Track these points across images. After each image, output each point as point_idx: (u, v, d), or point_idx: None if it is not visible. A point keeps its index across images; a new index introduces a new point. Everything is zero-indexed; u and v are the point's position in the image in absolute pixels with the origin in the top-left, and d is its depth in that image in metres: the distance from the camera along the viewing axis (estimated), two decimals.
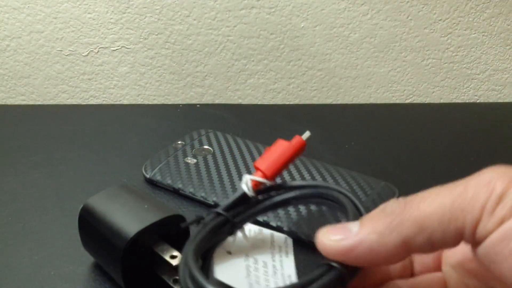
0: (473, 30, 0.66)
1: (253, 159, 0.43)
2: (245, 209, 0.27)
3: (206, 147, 0.45)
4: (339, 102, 0.69)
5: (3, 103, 0.65)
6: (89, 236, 0.30)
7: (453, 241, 0.17)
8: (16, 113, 0.54)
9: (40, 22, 0.61)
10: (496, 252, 0.16)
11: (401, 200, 0.18)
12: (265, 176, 0.27)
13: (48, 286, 0.30)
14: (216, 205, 0.37)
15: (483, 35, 0.66)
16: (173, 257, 0.28)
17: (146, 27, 0.62)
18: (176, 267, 0.27)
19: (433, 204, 0.17)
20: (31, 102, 0.65)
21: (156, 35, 0.63)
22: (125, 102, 0.67)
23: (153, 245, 0.28)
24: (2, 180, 0.41)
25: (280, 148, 0.28)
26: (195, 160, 0.42)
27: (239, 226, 0.27)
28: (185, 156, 0.43)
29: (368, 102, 0.69)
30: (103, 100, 0.67)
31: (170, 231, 0.29)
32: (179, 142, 0.46)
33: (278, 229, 0.34)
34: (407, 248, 0.18)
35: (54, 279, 0.30)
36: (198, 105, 0.58)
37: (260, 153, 0.44)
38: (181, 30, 0.63)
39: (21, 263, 0.32)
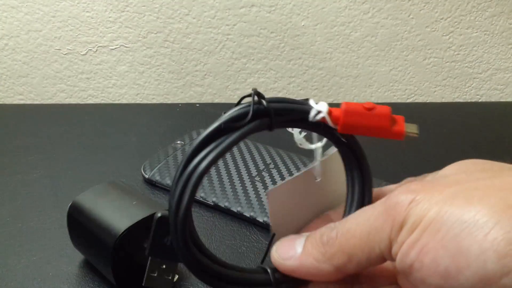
0: (475, 29, 0.65)
1: (253, 159, 0.42)
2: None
3: None
4: (340, 101, 0.68)
5: (1, 103, 0.65)
6: (78, 234, 0.30)
7: (378, 263, 0.21)
8: (14, 112, 0.54)
9: (38, 21, 0.61)
10: (403, 270, 0.19)
11: (335, 228, 0.21)
12: (338, 120, 0.23)
13: (46, 286, 0.30)
14: (216, 205, 0.37)
15: (485, 34, 0.66)
16: None
17: (145, 25, 0.62)
18: None
19: (356, 235, 0.20)
20: (29, 101, 0.65)
21: (155, 33, 0.62)
22: (124, 101, 0.66)
23: (143, 241, 0.28)
24: (1, 180, 0.40)
25: (381, 119, 0.23)
26: None
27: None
28: None
29: (369, 101, 0.69)
30: (102, 99, 0.66)
31: None
32: (179, 141, 0.45)
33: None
34: (340, 272, 0.21)
35: (52, 280, 0.30)
36: (197, 104, 0.58)
37: (260, 153, 0.43)
38: (180, 29, 0.62)
39: (20, 264, 0.31)
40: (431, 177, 0.23)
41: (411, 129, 0.23)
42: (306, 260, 0.22)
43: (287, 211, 0.26)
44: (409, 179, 0.25)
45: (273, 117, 0.23)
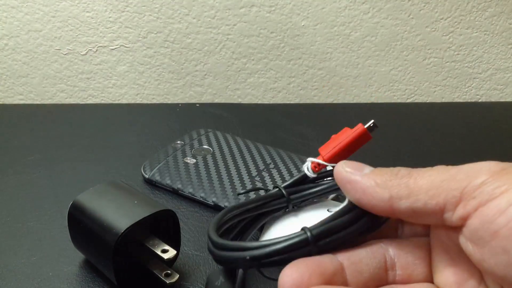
0: (475, 29, 0.65)
1: (253, 159, 0.42)
2: (303, 189, 0.30)
3: (205, 147, 0.44)
4: (340, 101, 0.68)
5: (1, 103, 0.65)
6: (79, 233, 0.30)
7: (433, 215, 0.20)
8: (14, 112, 0.54)
9: (39, 21, 0.61)
10: (478, 237, 0.18)
11: (410, 169, 0.21)
12: (323, 159, 0.29)
13: (46, 286, 0.30)
14: (216, 205, 0.37)
15: (484, 34, 0.66)
16: (164, 251, 0.28)
17: (145, 25, 0.62)
18: (168, 261, 0.27)
19: (427, 179, 0.20)
20: (29, 102, 0.65)
21: (155, 33, 0.62)
22: (124, 101, 0.66)
23: (144, 240, 0.28)
24: (1, 180, 0.40)
25: (343, 135, 0.30)
26: (194, 160, 0.42)
27: (293, 203, 0.30)
28: (185, 156, 0.43)
29: (369, 101, 0.69)
30: (102, 100, 0.66)
31: (161, 226, 0.29)
32: (178, 142, 0.45)
33: None
34: (391, 205, 0.21)
35: (52, 280, 0.30)
36: (197, 105, 0.57)
37: (260, 153, 0.43)
38: (180, 29, 0.62)
39: (20, 264, 0.31)
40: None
41: (368, 123, 0.29)
42: (368, 179, 0.22)
43: None
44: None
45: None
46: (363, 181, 0.22)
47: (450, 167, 0.20)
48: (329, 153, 0.29)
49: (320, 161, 0.29)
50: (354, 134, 0.29)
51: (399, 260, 0.24)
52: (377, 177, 0.22)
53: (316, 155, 0.30)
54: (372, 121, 0.30)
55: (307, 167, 0.30)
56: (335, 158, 0.29)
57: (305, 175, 0.30)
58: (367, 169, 0.23)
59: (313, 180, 0.30)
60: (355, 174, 0.22)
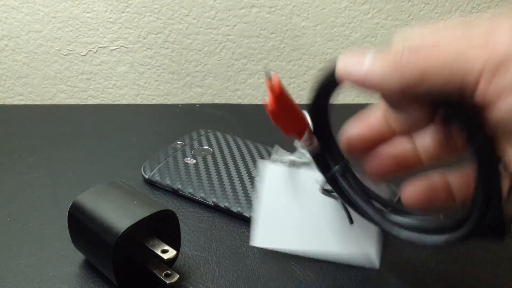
0: None
1: (253, 159, 0.42)
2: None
3: (205, 147, 0.44)
4: (340, 102, 0.68)
5: (1, 103, 0.65)
6: (79, 233, 0.30)
7: (452, 96, 0.18)
8: (14, 113, 0.54)
9: (39, 22, 0.61)
10: (506, 127, 0.17)
11: (416, 39, 0.19)
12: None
13: (47, 286, 0.30)
14: (216, 205, 0.37)
15: None
16: (164, 251, 0.28)
17: (145, 26, 0.62)
18: (168, 261, 0.27)
19: (439, 57, 0.18)
20: (29, 102, 0.65)
21: (155, 34, 0.62)
22: (124, 102, 0.66)
23: (144, 240, 0.28)
24: (1, 180, 0.40)
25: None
26: (194, 161, 0.42)
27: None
28: (185, 156, 0.43)
29: (369, 101, 0.69)
30: (102, 100, 0.66)
31: (161, 226, 0.29)
32: (178, 142, 0.45)
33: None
34: (404, 93, 0.19)
35: (52, 280, 0.30)
36: (197, 105, 0.58)
37: (260, 153, 0.43)
38: (180, 30, 0.62)
39: (20, 264, 0.31)
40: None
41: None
42: (373, 71, 0.20)
43: (278, 208, 0.27)
44: None
45: None
46: (368, 77, 0.20)
47: (458, 33, 0.18)
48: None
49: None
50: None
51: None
52: (382, 67, 0.19)
53: None
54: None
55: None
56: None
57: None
58: (368, 58, 0.20)
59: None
60: (358, 72, 0.20)
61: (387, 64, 0.19)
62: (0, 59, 0.62)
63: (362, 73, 0.20)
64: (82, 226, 0.29)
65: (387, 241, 0.31)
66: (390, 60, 0.19)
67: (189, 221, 0.36)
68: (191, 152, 0.44)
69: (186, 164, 0.41)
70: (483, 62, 0.17)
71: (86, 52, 0.63)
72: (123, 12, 0.61)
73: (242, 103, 0.67)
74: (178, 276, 0.28)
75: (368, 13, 0.63)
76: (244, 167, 0.41)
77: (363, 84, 0.20)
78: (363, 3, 0.63)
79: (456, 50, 0.17)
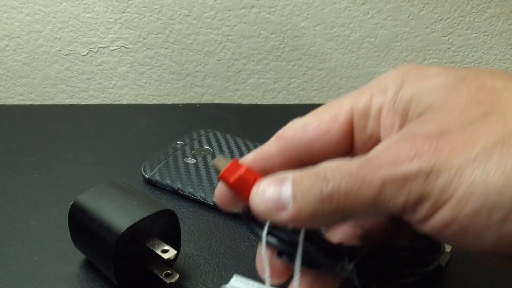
0: (474, 30, 0.66)
1: None
2: None
3: (205, 147, 0.45)
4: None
5: (1, 103, 0.65)
6: (79, 233, 0.30)
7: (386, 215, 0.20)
8: (15, 113, 0.54)
9: (39, 22, 0.61)
10: (434, 237, 0.19)
11: (328, 183, 0.19)
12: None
13: (46, 286, 0.30)
14: (216, 205, 0.37)
15: (484, 35, 0.66)
16: (164, 251, 0.28)
17: (146, 26, 0.62)
18: (168, 260, 0.27)
19: (358, 198, 0.18)
20: (29, 102, 0.65)
21: (156, 34, 0.63)
22: (124, 102, 0.67)
23: (144, 240, 0.28)
24: (1, 180, 0.40)
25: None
26: (194, 160, 0.42)
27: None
28: (185, 156, 0.43)
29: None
30: (102, 100, 0.66)
31: (161, 226, 0.29)
32: (179, 142, 0.45)
33: None
34: (341, 222, 0.20)
35: (53, 280, 0.30)
36: (197, 105, 0.58)
37: None
38: (180, 30, 0.62)
39: (20, 264, 0.31)
40: (413, 103, 0.20)
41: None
42: (300, 214, 0.19)
43: None
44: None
45: None
46: (294, 218, 0.19)
47: (367, 168, 0.18)
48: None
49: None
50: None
51: None
52: (307, 207, 0.19)
53: None
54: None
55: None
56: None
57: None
58: (287, 193, 0.19)
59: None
60: (281, 214, 0.19)
61: (312, 208, 0.19)
62: (1, 59, 0.62)
63: (288, 219, 0.19)
64: (83, 226, 0.29)
65: None
66: (314, 203, 0.19)
67: (189, 221, 0.36)
68: (191, 152, 0.44)
69: (186, 164, 0.42)
70: (404, 198, 0.18)
71: (86, 52, 0.63)
72: (123, 12, 0.61)
73: (242, 103, 0.67)
74: (178, 275, 0.28)
75: (368, 13, 0.63)
76: None
77: (293, 225, 0.20)
78: (363, 4, 0.63)
79: (373, 192, 0.18)
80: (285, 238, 0.21)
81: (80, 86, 0.65)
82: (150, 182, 0.40)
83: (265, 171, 0.23)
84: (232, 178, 0.22)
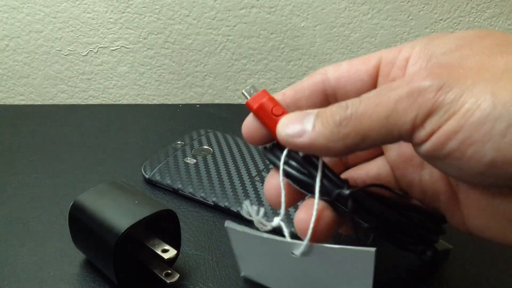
0: None
1: (253, 159, 0.42)
2: None
3: (205, 147, 0.45)
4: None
5: (2, 103, 0.65)
6: (80, 233, 0.30)
7: (393, 143, 0.21)
8: (15, 113, 0.54)
9: (39, 22, 0.61)
10: (435, 155, 0.20)
11: (348, 108, 0.21)
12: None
13: (47, 286, 0.30)
14: (216, 205, 0.37)
15: None
16: (164, 251, 0.28)
17: (146, 26, 0.62)
18: (168, 260, 0.28)
19: (373, 117, 0.20)
20: (30, 102, 0.65)
21: (156, 34, 0.63)
22: (125, 102, 0.67)
23: (144, 240, 0.28)
24: (1, 180, 0.41)
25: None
26: (194, 160, 0.42)
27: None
28: (185, 156, 0.43)
29: None
30: (103, 100, 0.66)
31: (161, 225, 0.29)
32: (179, 142, 0.45)
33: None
34: (350, 150, 0.21)
35: (53, 280, 0.30)
36: (197, 105, 0.58)
37: (260, 153, 0.44)
38: (180, 30, 0.63)
39: (21, 264, 0.31)
40: (438, 50, 0.22)
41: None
42: (317, 139, 0.21)
43: (255, 261, 0.25)
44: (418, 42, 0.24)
45: None
46: (313, 144, 0.21)
47: (386, 90, 0.20)
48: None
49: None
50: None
51: None
52: (324, 133, 0.21)
53: None
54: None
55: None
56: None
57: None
58: (308, 123, 0.22)
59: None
60: (302, 138, 0.22)
61: (329, 132, 0.21)
62: (1, 59, 0.62)
63: (305, 143, 0.21)
64: (83, 226, 0.29)
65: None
66: (331, 128, 0.21)
67: (189, 221, 0.36)
68: (191, 152, 0.44)
69: (186, 164, 0.42)
70: (414, 113, 0.19)
71: (86, 52, 0.63)
72: (123, 13, 0.61)
73: (242, 103, 0.68)
74: (179, 275, 0.28)
75: (368, 13, 0.63)
76: (244, 167, 0.41)
77: (308, 151, 0.22)
78: (363, 4, 0.63)
79: (387, 109, 0.19)
80: (297, 167, 0.23)
81: (80, 86, 0.65)
82: (150, 182, 0.41)
83: (294, 105, 0.25)
84: (256, 105, 0.24)
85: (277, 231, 0.25)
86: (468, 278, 0.31)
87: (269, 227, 0.24)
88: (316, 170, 0.23)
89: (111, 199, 0.30)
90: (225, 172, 0.40)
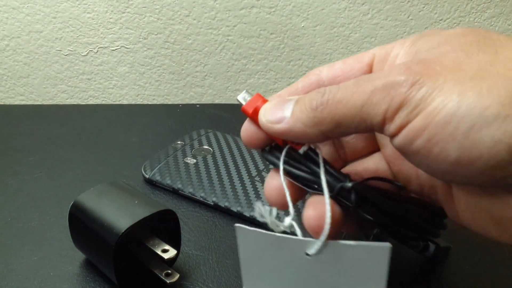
0: None
1: (253, 159, 0.43)
2: None
3: (205, 147, 0.45)
4: None
5: (2, 103, 0.65)
6: (80, 233, 0.30)
7: (366, 132, 0.22)
8: (15, 113, 0.54)
9: (39, 22, 0.61)
10: (405, 151, 0.20)
11: (325, 94, 0.21)
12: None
13: (47, 286, 0.30)
14: (216, 205, 0.37)
15: None
16: (164, 251, 0.28)
17: (146, 26, 0.62)
18: (168, 260, 0.28)
19: (348, 105, 0.20)
20: (30, 102, 0.65)
21: (156, 34, 0.63)
22: (125, 102, 0.67)
23: (144, 240, 0.28)
24: (2, 180, 0.41)
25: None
26: (194, 160, 0.42)
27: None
28: (185, 156, 0.43)
29: None
30: (103, 100, 0.66)
31: (161, 226, 0.29)
32: (179, 142, 0.45)
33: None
34: (326, 136, 0.22)
35: (53, 280, 0.30)
36: (197, 105, 0.58)
37: (260, 153, 0.44)
38: (180, 30, 0.63)
39: (21, 264, 0.31)
40: (423, 46, 0.22)
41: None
42: (294, 124, 0.22)
43: (263, 269, 0.24)
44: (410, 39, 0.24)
45: None
46: (291, 130, 0.22)
47: (364, 80, 0.20)
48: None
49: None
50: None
51: (344, 140, 0.28)
52: (301, 118, 0.22)
53: None
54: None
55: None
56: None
57: None
58: (287, 110, 0.22)
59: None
60: (278, 123, 0.22)
61: (305, 117, 0.21)
62: (1, 59, 0.62)
63: (284, 128, 0.22)
64: (83, 226, 0.29)
65: None
66: (308, 113, 0.21)
67: (189, 221, 0.36)
68: (191, 152, 0.44)
69: (186, 164, 0.42)
70: (386, 104, 0.19)
71: (86, 52, 0.63)
72: (123, 13, 0.61)
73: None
74: (179, 275, 0.28)
75: (368, 13, 0.63)
76: (244, 167, 0.41)
77: (287, 137, 0.23)
78: (363, 4, 0.63)
79: (362, 99, 0.20)
80: (297, 165, 0.23)
81: (80, 86, 0.65)
82: (150, 182, 0.41)
83: None
84: (251, 110, 0.24)
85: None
86: (468, 278, 0.31)
87: (282, 228, 0.23)
88: (317, 166, 0.23)
89: (111, 199, 0.30)
90: (225, 172, 0.40)
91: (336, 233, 0.23)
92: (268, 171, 0.41)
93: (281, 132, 0.22)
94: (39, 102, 0.65)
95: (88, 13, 0.61)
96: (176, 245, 0.30)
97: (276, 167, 0.24)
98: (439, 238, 0.27)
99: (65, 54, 0.63)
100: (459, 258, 0.32)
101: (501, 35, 0.21)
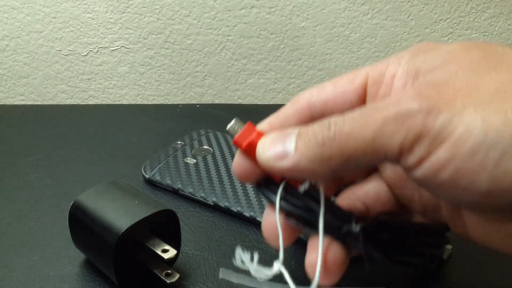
0: (474, 30, 0.66)
1: None
2: None
3: (205, 147, 0.45)
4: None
5: (2, 103, 0.65)
6: (80, 233, 0.30)
7: (379, 164, 0.20)
8: (15, 113, 0.54)
9: (39, 22, 0.61)
10: (427, 184, 0.19)
11: (330, 127, 0.19)
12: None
13: (47, 286, 0.30)
14: (216, 205, 0.37)
15: (484, 35, 0.66)
16: (164, 251, 0.28)
17: (146, 26, 0.62)
18: (168, 260, 0.28)
19: (358, 139, 0.19)
20: (30, 102, 0.65)
21: (156, 34, 0.63)
22: (125, 102, 0.67)
23: (144, 240, 0.28)
24: (1, 180, 0.41)
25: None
26: (194, 160, 0.42)
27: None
28: (185, 156, 0.43)
29: None
30: (103, 100, 0.66)
31: (161, 226, 0.29)
32: (179, 142, 0.45)
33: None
34: (334, 173, 0.20)
35: (53, 280, 0.30)
36: (197, 105, 0.58)
37: None
38: (180, 30, 0.63)
39: (21, 264, 0.31)
40: (424, 66, 0.21)
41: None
42: (300, 161, 0.20)
43: None
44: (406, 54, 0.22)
45: None
46: (297, 167, 0.20)
47: (373, 110, 0.19)
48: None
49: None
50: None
51: None
52: (307, 155, 0.20)
53: None
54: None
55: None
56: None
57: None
58: (289, 144, 0.20)
59: None
60: (284, 161, 0.20)
61: (312, 153, 0.19)
62: (1, 59, 0.62)
63: (289, 166, 0.20)
64: (83, 226, 0.29)
65: None
66: (314, 149, 0.19)
67: (189, 221, 0.36)
68: (191, 152, 0.44)
69: (186, 164, 0.42)
70: (402, 136, 0.18)
71: (86, 52, 0.63)
72: (123, 13, 0.61)
73: (242, 103, 0.68)
74: (179, 275, 0.28)
75: (368, 13, 0.63)
76: None
77: (292, 175, 0.21)
78: (363, 4, 0.63)
79: (373, 131, 0.18)
80: (297, 203, 0.21)
81: (80, 86, 0.65)
82: (150, 182, 0.41)
83: None
84: (245, 143, 0.22)
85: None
86: (468, 278, 0.31)
87: (269, 275, 0.21)
88: (317, 203, 0.21)
89: (111, 199, 0.30)
90: (225, 172, 0.40)
91: (340, 275, 0.22)
92: None
93: (285, 170, 0.20)
94: (39, 102, 0.65)
95: (88, 13, 0.61)
96: (176, 245, 0.30)
97: (273, 203, 0.22)
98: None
99: (65, 54, 0.63)
100: (459, 258, 0.32)
101: (505, 47, 0.20)
